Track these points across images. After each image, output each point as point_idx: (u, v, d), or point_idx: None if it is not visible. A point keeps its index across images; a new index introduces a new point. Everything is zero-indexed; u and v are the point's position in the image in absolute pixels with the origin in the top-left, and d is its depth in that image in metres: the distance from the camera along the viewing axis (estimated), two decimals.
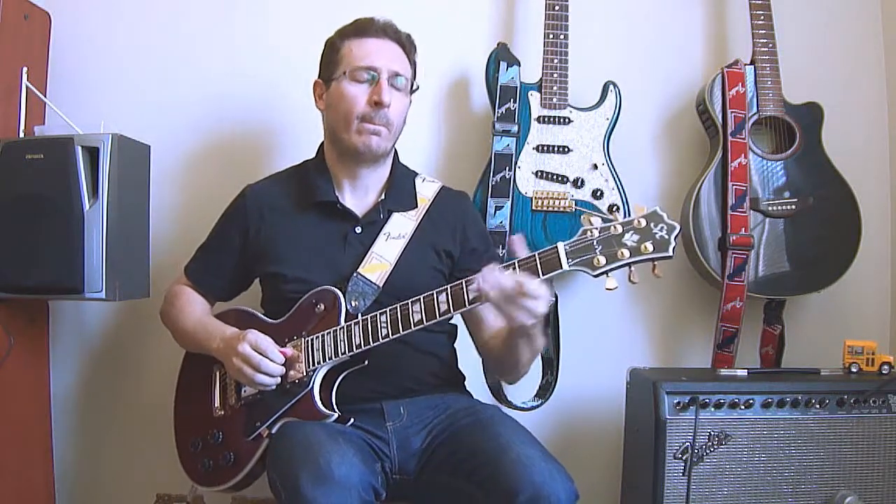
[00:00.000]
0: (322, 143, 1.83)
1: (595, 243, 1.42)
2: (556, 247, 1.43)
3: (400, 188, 1.78)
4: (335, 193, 1.75)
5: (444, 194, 1.82)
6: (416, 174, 1.85)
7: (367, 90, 1.69)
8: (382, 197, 1.76)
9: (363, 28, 1.73)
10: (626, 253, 1.40)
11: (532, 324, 1.44)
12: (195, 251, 1.88)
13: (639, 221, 1.41)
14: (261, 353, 1.58)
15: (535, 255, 1.45)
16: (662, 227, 1.40)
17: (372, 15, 1.76)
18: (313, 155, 1.84)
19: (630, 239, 1.41)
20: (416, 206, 1.76)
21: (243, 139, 2.26)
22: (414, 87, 1.79)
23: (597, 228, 1.42)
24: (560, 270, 1.43)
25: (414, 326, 1.53)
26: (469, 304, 1.50)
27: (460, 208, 1.83)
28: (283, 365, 1.60)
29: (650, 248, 1.39)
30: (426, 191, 1.81)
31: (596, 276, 1.42)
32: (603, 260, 1.41)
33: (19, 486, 2.03)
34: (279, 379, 1.60)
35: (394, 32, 1.75)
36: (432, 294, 1.52)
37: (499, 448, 1.48)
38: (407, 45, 1.76)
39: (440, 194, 1.81)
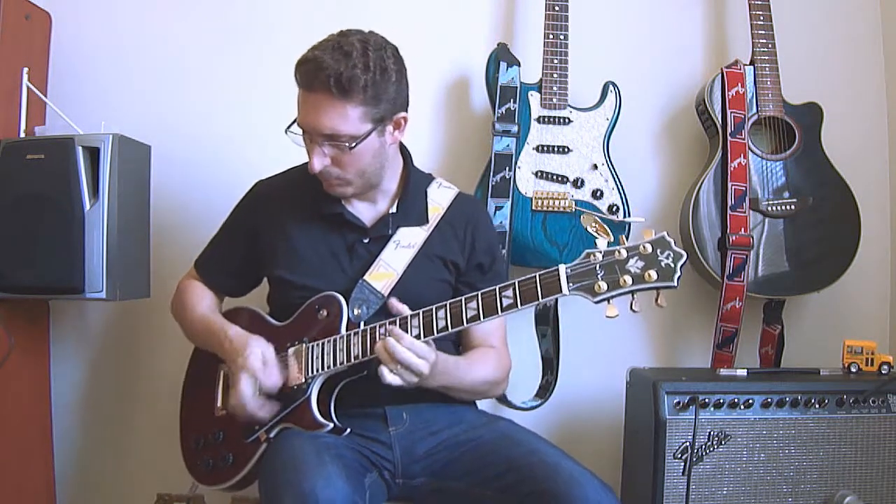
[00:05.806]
0: None
1: (598, 268, 1.38)
2: (558, 269, 1.41)
3: (411, 202, 1.71)
4: (341, 204, 1.69)
5: (459, 202, 1.76)
6: (431, 179, 1.78)
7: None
8: (393, 209, 1.70)
9: (301, 75, 1.55)
10: (629, 280, 1.37)
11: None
12: (206, 244, 1.84)
13: (644, 247, 1.37)
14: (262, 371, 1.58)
15: (535, 277, 1.42)
16: (669, 255, 1.36)
17: (319, 41, 1.56)
18: None
19: (634, 265, 1.37)
20: (427, 222, 1.71)
21: (244, 139, 2.26)
22: (371, 129, 1.55)
23: (600, 252, 1.39)
24: (560, 295, 1.41)
25: None
26: (467, 323, 1.48)
27: (472, 218, 1.77)
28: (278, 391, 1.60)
29: (654, 276, 1.36)
30: (441, 198, 1.74)
31: (596, 302, 1.39)
32: (604, 286, 1.38)
33: (19, 486, 2.03)
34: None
35: (324, 80, 1.49)
36: (431, 309, 1.50)
37: (544, 464, 1.47)
38: (344, 90, 1.50)
39: (455, 202, 1.75)
